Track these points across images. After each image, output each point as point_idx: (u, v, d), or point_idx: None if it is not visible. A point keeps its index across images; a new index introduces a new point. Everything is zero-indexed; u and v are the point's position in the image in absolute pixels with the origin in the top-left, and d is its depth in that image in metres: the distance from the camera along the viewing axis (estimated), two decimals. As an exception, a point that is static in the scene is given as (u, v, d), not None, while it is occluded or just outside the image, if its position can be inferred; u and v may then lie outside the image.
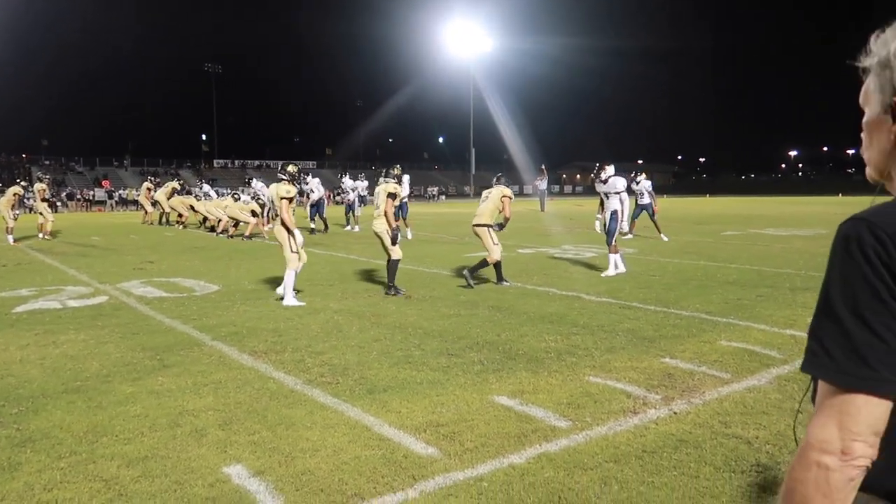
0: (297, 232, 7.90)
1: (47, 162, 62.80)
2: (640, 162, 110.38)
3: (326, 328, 6.45)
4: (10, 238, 16.46)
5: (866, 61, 1.04)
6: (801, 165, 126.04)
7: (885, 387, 0.93)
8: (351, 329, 6.40)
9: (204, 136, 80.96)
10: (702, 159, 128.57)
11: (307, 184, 18.98)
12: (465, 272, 8.81)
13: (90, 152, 67.25)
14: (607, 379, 4.67)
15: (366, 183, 20.87)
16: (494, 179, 9.59)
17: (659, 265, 10.83)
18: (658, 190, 16.05)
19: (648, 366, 4.98)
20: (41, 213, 18.02)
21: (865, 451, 0.93)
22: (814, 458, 0.93)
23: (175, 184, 23.97)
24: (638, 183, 14.93)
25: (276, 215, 7.92)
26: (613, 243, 9.69)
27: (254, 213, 18.02)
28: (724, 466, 3.23)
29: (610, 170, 9.89)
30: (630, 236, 14.86)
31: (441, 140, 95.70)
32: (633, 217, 15.06)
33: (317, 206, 18.90)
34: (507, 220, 9.05)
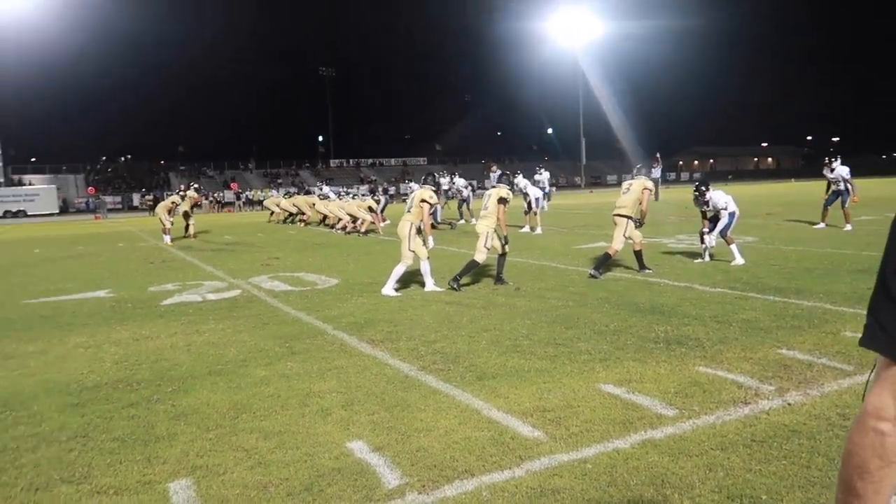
0: (430, 238, 8.68)
1: (182, 167, 68.04)
2: (763, 145, 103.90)
3: (438, 319, 6.74)
4: (168, 238, 18.13)
5: None
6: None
7: None
8: (462, 320, 6.65)
9: (321, 138, 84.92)
10: (835, 139, 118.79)
11: (454, 183, 22.25)
12: (591, 270, 8.94)
13: (218, 156, 72.39)
14: (718, 369, 4.62)
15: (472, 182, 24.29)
16: (635, 170, 9.64)
17: (780, 253, 10.32)
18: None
19: (763, 356, 4.86)
20: (190, 216, 19.81)
21: None
22: (871, 424, 1.03)
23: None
24: (833, 170, 14.19)
25: (408, 210, 8.53)
26: (729, 234, 9.54)
27: (370, 210, 18.80)
28: (838, 458, 3.15)
29: (710, 192, 9.62)
30: (822, 226, 14.20)
31: (550, 131, 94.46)
32: (827, 204, 14.43)
33: (466, 202, 21.74)
34: (644, 215, 9.13)
